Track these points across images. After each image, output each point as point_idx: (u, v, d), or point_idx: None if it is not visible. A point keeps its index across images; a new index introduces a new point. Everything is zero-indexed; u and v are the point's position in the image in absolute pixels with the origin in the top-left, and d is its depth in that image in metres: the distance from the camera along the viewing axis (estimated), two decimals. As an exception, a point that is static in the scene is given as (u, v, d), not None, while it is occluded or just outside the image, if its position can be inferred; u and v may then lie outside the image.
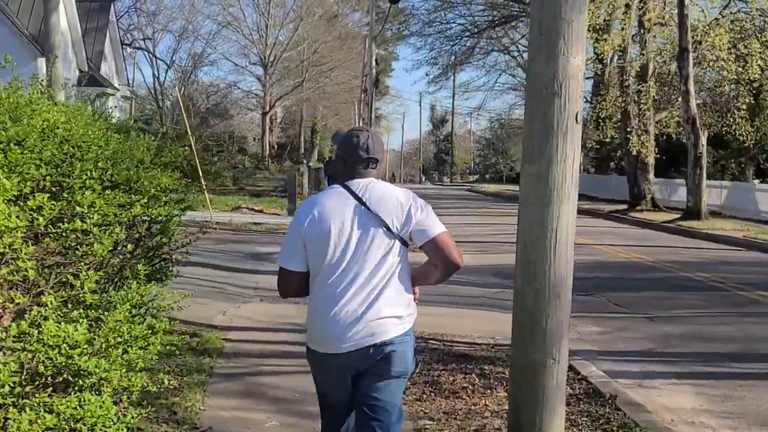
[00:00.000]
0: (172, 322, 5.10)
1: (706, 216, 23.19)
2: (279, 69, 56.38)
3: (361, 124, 64.76)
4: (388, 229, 3.55)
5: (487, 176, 79.31)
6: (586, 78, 46.91)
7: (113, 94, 39.86)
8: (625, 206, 29.66)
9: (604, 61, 30.23)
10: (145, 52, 53.68)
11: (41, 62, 31.46)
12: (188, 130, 20.20)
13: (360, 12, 65.13)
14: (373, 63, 33.14)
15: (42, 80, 5.88)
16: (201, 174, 19.06)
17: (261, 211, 24.92)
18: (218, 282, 11.14)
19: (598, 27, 27.76)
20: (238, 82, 76.12)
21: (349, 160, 3.68)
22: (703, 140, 23.39)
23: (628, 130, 27.71)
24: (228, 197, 28.48)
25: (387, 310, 3.53)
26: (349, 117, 73.64)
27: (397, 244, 3.59)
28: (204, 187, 19.19)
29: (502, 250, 17.08)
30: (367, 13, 64.93)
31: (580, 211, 27.25)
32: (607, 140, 30.35)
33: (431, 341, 8.19)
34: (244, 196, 30.37)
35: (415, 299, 3.76)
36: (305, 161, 48.14)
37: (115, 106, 43.87)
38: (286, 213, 24.50)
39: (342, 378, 3.63)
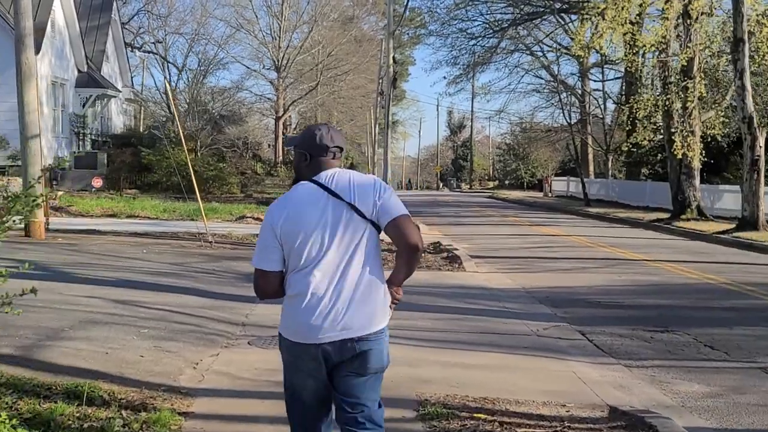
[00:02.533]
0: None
1: (764, 226, 20.66)
2: (292, 73, 54.78)
3: (376, 128, 62.83)
4: (360, 214, 3.57)
5: (507, 182, 76.97)
6: (611, 78, 44.80)
7: (115, 96, 37.71)
8: (666, 215, 27.17)
9: (636, 58, 27.75)
10: (156, 56, 51.81)
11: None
12: (180, 128, 17.89)
13: (375, 15, 63.47)
14: (391, 60, 30.70)
15: None
16: (195, 180, 16.70)
17: (267, 221, 22.55)
18: (198, 316, 8.78)
19: (632, 21, 25.46)
20: (251, 86, 74.28)
21: (313, 154, 3.70)
22: (761, 141, 20.89)
23: (672, 131, 25.16)
24: (233, 206, 26.13)
25: (363, 304, 3.56)
26: (364, 122, 71.81)
27: (370, 229, 3.62)
28: (199, 195, 16.80)
29: (544, 268, 14.66)
30: (383, 16, 63.30)
31: (616, 220, 24.69)
32: (644, 143, 27.73)
33: (481, 415, 5.76)
34: (250, 204, 28.00)
35: (396, 300, 3.81)
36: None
37: (120, 110, 41.85)
38: (294, 223, 22.12)
39: (316, 369, 3.60)
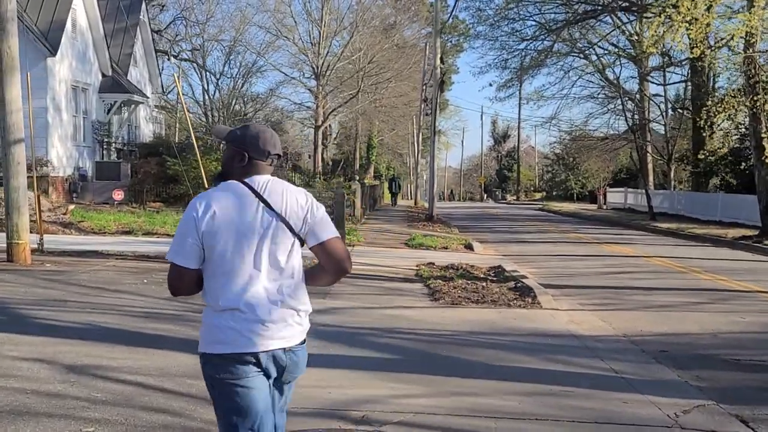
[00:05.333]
0: None
1: None
2: (332, 80, 52.92)
3: (419, 137, 60.29)
4: (290, 227, 3.50)
5: (554, 194, 74.00)
6: (675, 82, 41.53)
7: (142, 103, 35.39)
8: (751, 231, 24.05)
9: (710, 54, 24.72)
10: (193, 64, 49.90)
11: (51, 61, 26.98)
12: (192, 136, 15.34)
13: (417, 23, 61.32)
14: (438, 61, 28.04)
15: None
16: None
17: (301, 239, 19.92)
18: (181, 393, 6.11)
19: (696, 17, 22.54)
20: (289, 93, 72.29)
21: (252, 156, 3.55)
22: None
23: (762, 135, 22.05)
24: (264, 220, 23.52)
25: (293, 313, 3.51)
26: (406, 131, 69.52)
27: (297, 243, 3.54)
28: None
29: (639, 303, 11.76)
30: (426, 23, 60.89)
31: (693, 237, 20.66)
32: (722, 150, 24.67)
33: None
34: (284, 218, 25.41)
35: None
36: (358, 177, 43.41)
37: (149, 117, 39.56)
38: (331, 241, 19.45)
39: (256, 379, 3.45)
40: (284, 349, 3.46)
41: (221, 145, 32.24)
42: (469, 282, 12.94)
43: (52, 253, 14.38)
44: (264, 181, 3.53)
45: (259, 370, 3.44)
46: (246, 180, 3.52)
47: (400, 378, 6.90)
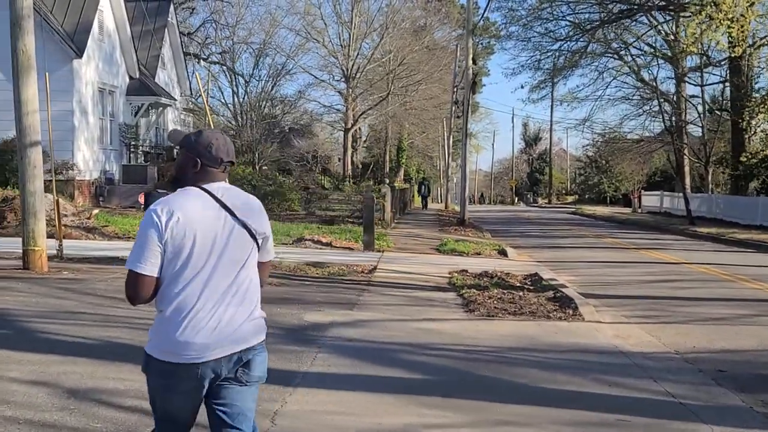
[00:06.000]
0: None
1: None
2: (362, 83, 52.59)
3: (450, 140, 59.55)
4: (250, 233, 3.55)
5: (586, 197, 72.99)
6: (714, 83, 40.40)
7: (170, 105, 35.00)
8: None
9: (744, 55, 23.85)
10: (223, 67, 49.66)
11: (77, 63, 26.62)
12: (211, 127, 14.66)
13: (448, 25, 60.73)
14: (470, 61, 27.33)
15: None
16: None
17: (329, 244, 19.33)
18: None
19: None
20: (318, 96, 72.06)
21: (205, 163, 3.55)
22: None
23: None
24: (292, 225, 22.97)
25: (251, 317, 3.53)
26: (436, 134, 68.88)
27: (255, 249, 3.59)
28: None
29: (689, 316, 11.01)
30: (457, 25, 60.21)
31: (736, 243, 18.87)
32: (761, 152, 23.74)
33: None
34: (312, 223, 24.84)
35: None
36: (388, 181, 42.79)
37: (177, 120, 39.20)
38: (361, 247, 18.84)
39: (198, 388, 3.45)
40: (240, 351, 3.46)
41: (256, 149, 31.88)
42: (505, 291, 12.24)
43: (71, 259, 13.88)
44: (222, 187, 3.55)
45: (203, 381, 3.43)
46: (204, 186, 3.51)
47: (435, 403, 6.25)
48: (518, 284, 13.40)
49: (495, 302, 11.31)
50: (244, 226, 3.52)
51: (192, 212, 3.43)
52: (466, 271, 14.84)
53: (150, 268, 3.38)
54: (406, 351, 8.12)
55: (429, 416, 5.95)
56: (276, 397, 6.17)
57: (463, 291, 12.29)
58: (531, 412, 6.12)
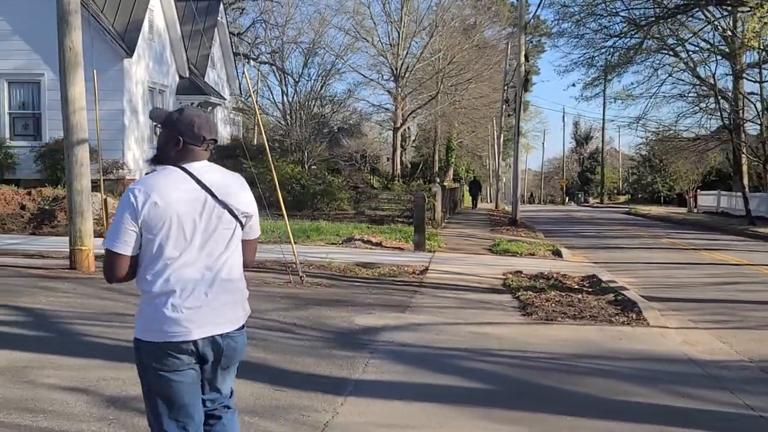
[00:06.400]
0: None
1: None
2: (411, 82, 52.20)
3: (501, 139, 58.84)
4: (231, 213, 3.52)
5: (639, 197, 71.74)
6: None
7: (219, 104, 34.95)
8: None
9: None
10: (273, 67, 49.67)
11: (127, 63, 26.61)
12: (264, 137, 14.51)
13: (498, 23, 60.07)
14: (522, 58, 26.77)
15: None
16: (279, 193, 13.20)
17: (379, 244, 18.95)
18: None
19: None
20: (368, 95, 71.95)
21: (187, 141, 3.51)
22: None
23: None
24: (341, 225, 22.65)
25: (235, 298, 3.54)
26: (485, 133, 68.29)
27: (238, 227, 3.56)
28: (286, 213, 13.26)
29: (761, 321, 10.40)
30: (507, 24, 59.53)
31: None
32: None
33: None
34: (361, 222, 24.48)
35: None
36: (438, 180, 42.31)
37: (226, 119, 39.19)
38: (412, 247, 18.44)
39: (192, 365, 3.45)
40: (222, 334, 3.47)
41: (305, 148, 31.63)
42: (562, 294, 11.76)
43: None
44: (202, 166, 3.51)
45: (193, 359, 3.43)
46: (184, 165, 3.48)
47: (496, 416, 5.84)
48: (576, 286, 12.89)
49: (553, 305, 10.84)
50: (225, 206, 3.50)
51: (169, 193, 3.41)
52: (521, 272, 14.37)
53: (124, 247, 3.38)
54: (463, 357, 7.71)
55: (491, 430, 5.53)
56: (327, 407, 5.81)
57: (519, 293, 11.83)
58: (598, 426, 5.69)
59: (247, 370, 6.61)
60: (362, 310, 9.96)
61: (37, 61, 25.31)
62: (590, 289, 12.53)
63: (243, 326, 3.60)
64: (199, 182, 3.46)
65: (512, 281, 13.17)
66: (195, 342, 3.40)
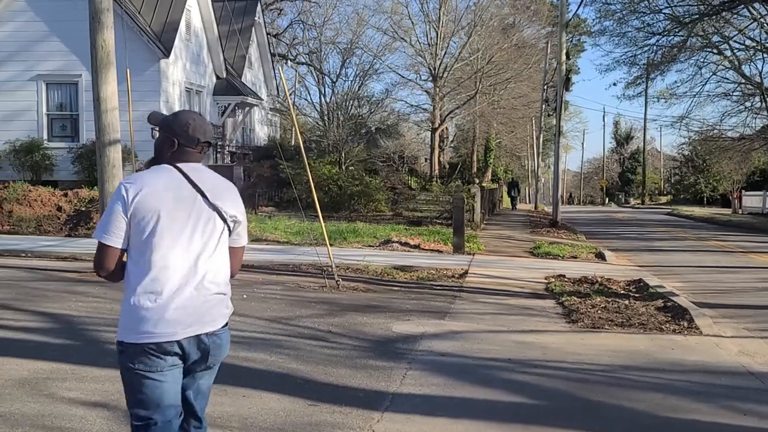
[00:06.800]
0: None
1: None
2: (450, 82, 51.81)
3: (541, 139, 58.16)
4: (221, 215, 3.54)
5: (681, 197, 70.59)
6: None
7: (256, 105, 34.80)
8: None
9: None
10: (311, 67, 49.55)
11: (164, 63, 26.48)
12: (299, 138, 14.19)
13: (537, 22, 59.44)
14: (564, 56, 26.23)
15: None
16: (315, 194, 12.85)
17: (417, 247, 18.57)
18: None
19: None
20: (405, 96, 71.70)
21: (182, 143, 3.57)
22: None
23: None
24: (379, 226, 22.30)
25: (220, 298, 3.53)
26: (524, 134, 67.67)
27: (226, 231, 3.58)
28: (322, 215, 12.91)
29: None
30: (547, 23, 58.83)
31: None
32: None
33: None
34: (399, 224, 24.10)
35: None
36: (477, 181, 41.83)
37: (263, 120, 39.03)
38: (450, 250, 18.03)
39: (176, 366, 3.45)
40: (207, 333, 3.46)
41: (342, 149, 31.32)
42: (608, 299, 11.28)
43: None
44: (194, 168, 3.56)
45: (177, 359, 3.43)
46: (178, 165, 3.52)
47: (543, 435, 5.43)
48: (622, 291, 12.40)
49: (599, 312, 10.38)
50: (215, 208, 3.52)
51: (160, 190, 3.43)
52: (564, 276, 13.90)
53: (114, 239, 3.39)
54: (506, 368, 7.30)
55: (538, 452, 5.13)
56: (362, 425, 5.44)
57: (563, 298, 11.38)
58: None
59: (278, 382, 6.29)
60: (400, 317, 9.58)
61: (74, 62, 25.29)
62: (637, 295, 12.04)
63: (226, 324, 3.60)
64: (191, 182, 3.49)
65: (555, 286, 12.72)
66: (180, 342, 3.40)
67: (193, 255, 3.44)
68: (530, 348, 8.20)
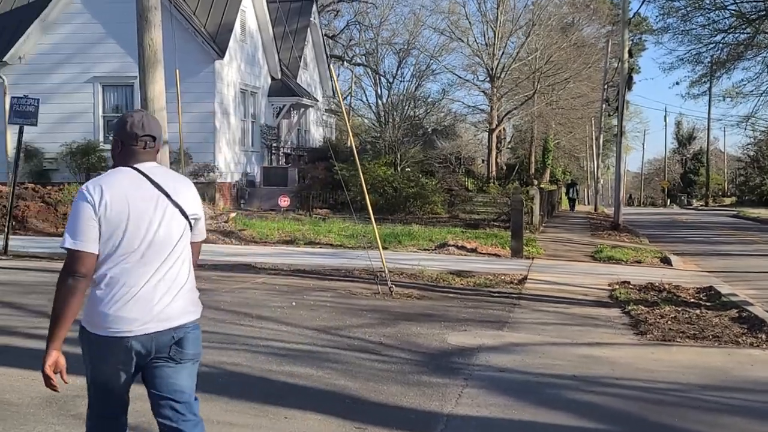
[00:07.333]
0: None
1: None
2: (507, 82, 51.19)
3: (601, 139, 57.00)
4: (183, 213, 3.56)
5: (746, 199, 68.68)
6: None
7: (311, 106, 34.53)
8: None
9: None
10: (367, 68, 49.30)
11: (218, 64, 26.30)
12: (351, 139, 13.76)
13: (597, 21, 58.39)
14: (626, 54, 25.42)
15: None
16: (367, 197, 12.39)
17: (474, 250, 18.02)
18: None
19: None
20: (462, 96, 71.21)
21: (125, 142, 3.58)
22: None
23: None
24: (435, 229, 21.79)
25: (183, 296, 3.53)
26: (583, 134, 66.57)
27: (188, 227, 3.60)
28: (372, 217, 12.41)
29: None
30: (607, 21, 57.67)
31: None
32: None
33: None
34: (456, 226, 23.55)
35: None
36: (536, 182, 41.07)
37: (318, 121, 38.77)
38: (509, 253, 17.45)
39: (128, 362, 3.46)
40: (174, 329, 3.47)
41: (398, 150, 30.92)
42: (678, 309, 10.61)
43: (202, 266, 13.14)
44: (152, 167, 3.57)
45: (135, 354, 3.43)
46: (136, 166, 3.53)
47: (615, 468, 4.88)
48: (692, 300, 11.71)
49: (669, 322, 9.73)
50: (177, 206, 3.53)
51: (123, 191, 3.43)
52: (628, 282, 13.23)
53: (90, 245, 3.37)
54: (572, 387, 6.74)
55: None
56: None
57: (629, 307, 10.74)
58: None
59: (324, 401, 5.83)
60: (456, 327, 9.07)
61: (130, 63, 25.14)
62: (708, 304, 11.34)
63: (195, 321, 3.60)
64: (152, 181, 3.49)
65: (620, 293, 12.08)
66: (138, 337, 3.40)
67: (157, 253, 3.44)
68: (597, 363, 7.62)
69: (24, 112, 13.95)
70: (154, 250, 3.44)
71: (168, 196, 3.49)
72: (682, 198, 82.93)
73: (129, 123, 3.56)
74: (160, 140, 3.68)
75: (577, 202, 54.71)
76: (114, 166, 3.60)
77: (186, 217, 3.55)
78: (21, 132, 14.28)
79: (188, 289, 3.56)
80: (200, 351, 3.67)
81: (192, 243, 3.64)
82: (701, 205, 71.18)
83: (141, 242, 3.41)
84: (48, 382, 3.41)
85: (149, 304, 3.40)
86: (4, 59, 25.71)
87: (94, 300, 3.42)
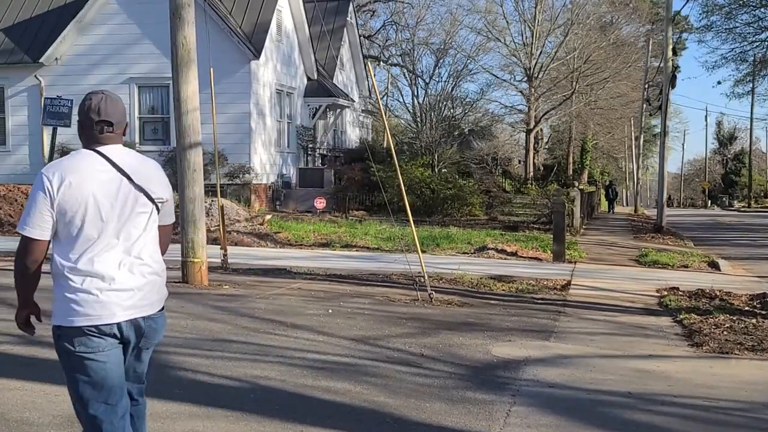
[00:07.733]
0: None
1: None
2: (545, 82, 50.56)
3: (641, 139, 56.10)
4: (147, 196, 3.50)
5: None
6: None
7: (348, 107, 34.20)
8: None
9: None
10: (404, 69, 48.97)
11: (254, 65, 26.04)
12: (389, 140, 13.40)
13: (636, 20, 57.55)
14: (670, 53, 24.77)
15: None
16: (406, 199, 11.97)
17: (515, 254, 17.57)
18: None
19: None
20: (499, 96, 70.72)
21: (83, 124, 3.52)
22: None
23: None
24: (474, 231, 21.33)
25: (155, 279, 3.52)
26: (622, 134, 65.75)
27: (155, 211, 3.56)
28: (412, 219, 11.97)
29: None
30: (647, 21, 56.81)
31: None
32: None
33: None
34: (494, 229, 23.08)
35: None
36: (575, 183, 40.42)
37: (355, 122, 38.45)
38: (550, 257, 16.97)
39: (113, 346, 3.44)
40: (144, 317, 3.47)
41: (435, 151, 30.51)
42: (733, 318, 10.09)
43: (236, 270, 12.85)
44: (117, 150, 3.51)
45: (117, 341, 3.43)
46: (98, 149, 3.47)
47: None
48: (746, 308, 11.16)
49: (725, 333, 9.22)
50: (141, 189, 3.48)
51: (84, 174, 3.38)
52: (677, 288, 12.69)
53: (41, 232, 3.36)
54: (627, 405, 6.28)
55: None
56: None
57: (681, 316, 10.23)
58: None
59: (363, 420, 5.46)
60: (500, 336, 8.64)
61: (165, 64, 24.72)
62: (764, 312, 10.78)
63: (163, 308, 3.60)
64: (114, 165, 3.42)
65: (670, 300, 11.57)
66: (119, 324, 3.39)
67: (123, 238, 3.40)
68: (652, 378, 7.16)
69: (57, 113, 13.78)
70: (121, 235, 3.39)
71: (130, 179, 3.43)
72: (723, 199, 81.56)
73: (86, 106, 3.50)
74: (122, 124, 3.56)
75: (615, 203, 53.95)
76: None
77: (152, 200, 3.49)
78: (54, 133, 14.11)
79: (159, 274, 3.54)
80: (162, 338, 3.67)
81: (160, 226, 3.60)
82: (743, 207, 69.96)
83: (105, 225, 3.36)
84: (25, 330, 3.59)
85: (127, 290, 3.38)
86: (40, 60, 25.69)
87: (69, 289, 3.37)
